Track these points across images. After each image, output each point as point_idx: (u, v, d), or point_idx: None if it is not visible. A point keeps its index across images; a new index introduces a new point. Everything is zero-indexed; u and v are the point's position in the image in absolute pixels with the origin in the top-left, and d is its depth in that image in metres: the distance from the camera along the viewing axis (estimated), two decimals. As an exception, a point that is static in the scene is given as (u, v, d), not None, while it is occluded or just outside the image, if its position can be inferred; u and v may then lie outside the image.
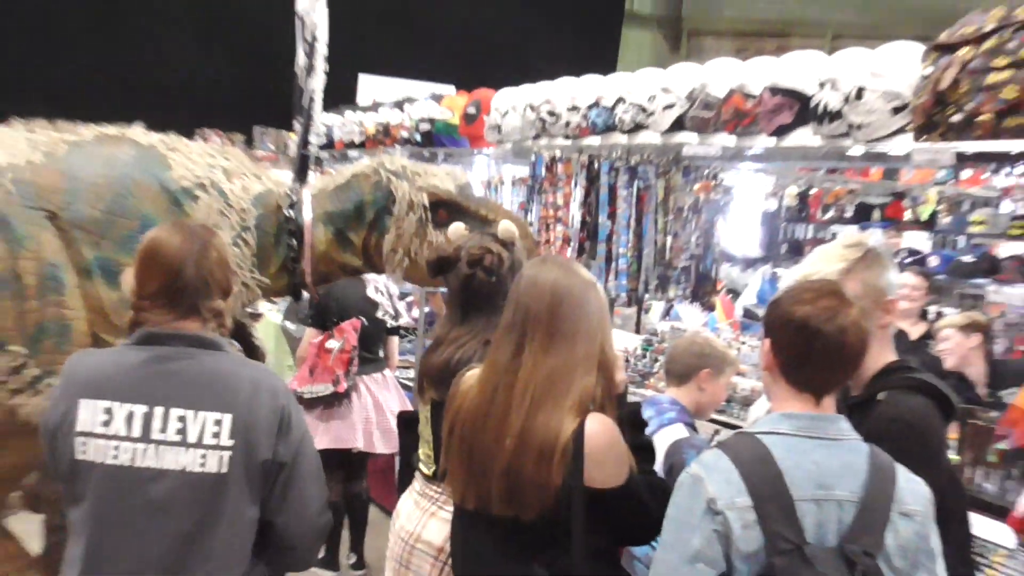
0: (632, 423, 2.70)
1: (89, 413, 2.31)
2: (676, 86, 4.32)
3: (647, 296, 4.47)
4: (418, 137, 6.31)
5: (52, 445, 2.36)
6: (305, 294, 4.16)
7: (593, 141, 4.74)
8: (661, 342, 5.26)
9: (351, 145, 7.25)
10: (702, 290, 4.41)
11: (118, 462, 2.29)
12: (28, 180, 3.51)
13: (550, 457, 2.28)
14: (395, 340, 5.82)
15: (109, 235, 3.48)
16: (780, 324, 2.17)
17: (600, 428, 2.32)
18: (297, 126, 7.78)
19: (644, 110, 4.45)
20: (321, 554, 5.53)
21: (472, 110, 5.81)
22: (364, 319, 5.43)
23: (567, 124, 4.92)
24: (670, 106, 4.32)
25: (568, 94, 4.98)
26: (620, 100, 4.58)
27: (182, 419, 2.31)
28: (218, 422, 2.31)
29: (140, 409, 2.31)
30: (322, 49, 7.60)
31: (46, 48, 23.87)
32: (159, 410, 2.31)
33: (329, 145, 7.62)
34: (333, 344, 5.33)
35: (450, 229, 3.17)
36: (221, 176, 3.77)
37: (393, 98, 7.25)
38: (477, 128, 5.75)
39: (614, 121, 4.59)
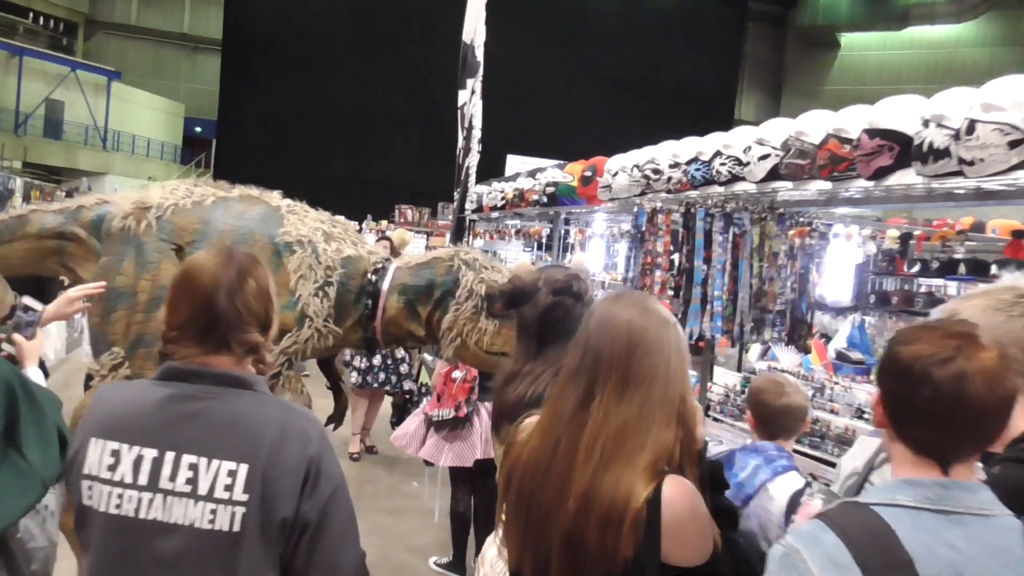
0: (713, 483, 1.74)
1: (97, 454, 1.56)
2: (771, 137, 3.33)
3: (744, 338, 3.45)
4: (545, 199, 5.51)
5: (67, 482, 1.62)
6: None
7: (693, 194, 3.79)
8: (758, 380, 4.29)
9: (494, 208, 6.55)
10: (797, 333, 3.35)
11: (121, 511, 1.52)
12: (169, 219, 3.42)
13: (619, 525, 1.49)
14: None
15: None
16: (886, 367, 1.29)
17: (680, 495, 1.52)
18: (456, 196, 7.08)
19: (740, 162, 3.48)
20: (448, 558, 4.76)
21: (588, 173, 4.97)
22: None
23: (669, 180, 3.99)
24: (765, 156, 3.34)
25: (670, 152, 4.06)
26: (718, 154, 3.63)
27: (194, 467, 1.52)
28: (232, 473, 1.52)
29: (150, 453, 1.54)
30: (477, 134, 6.99)
31: (313, 152, 25.27)
32: (170, 456, 1.53)
33: (479, 209, 6.97)
34: (457, 374, 4.63)
35: (516, 264, 2.36)
36: (320, 237, 3.51)
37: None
38: (592, 189, 4.89)
39: (712, 174, 3.64)
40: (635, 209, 3.93)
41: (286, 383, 3.39)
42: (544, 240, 6.16)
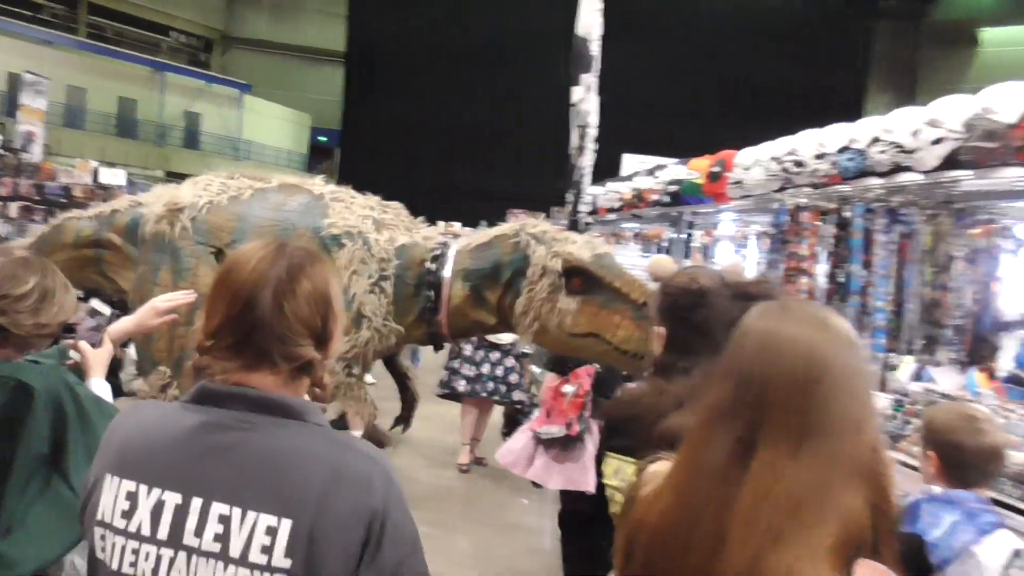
0: (915, 565, 1.24)
1: (111, 496, 1.21)
2: (946, 117, 2.75)
3: (908, 356, 2.85)
4: (667, 199, 5.02)
5: (81, 522, 1.29)
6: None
7: (843, 188, 3.22)
8: (913, 404, 3.64)
9: (610, 210, 6.10)
10: (978, 354, 2.73)
11: (136, 571, 1.17)
12: (203, 218, 3.13)
13: None
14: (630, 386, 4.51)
15: None
16: None
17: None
18: (569, 197, 6.61)
19: (904, 149, 2.90)
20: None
21: (717, 168, 4.45)
22: (599, 365, 4.20)
23: (814, 172, 3.45)
24: (938, 140, 2.76)
25: (815, 141, 3.51)
26: (876, 140, 3.05)
27: (224, 520, 1.15)
28: (272, 530, 1.14)
29: (172, 499, 1.17)
30: (591, 133, 6.56)
31: (431, 160, 25.62)
32: (196, 503, 1.16)
33: (594, 212, 6.54)
34: (568, 389, 4.16)
35: (653, 261, 1.87)
36: (371, 226, 3.16)
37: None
38: (720, 185, 4.38)
39: (868, 164, 3.07)
40: (775, 206, 3.40)
41: (347, 391, 3.07)
42: (666, 244, 5.67)
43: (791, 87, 25.01)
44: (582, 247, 3.06)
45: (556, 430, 4.20)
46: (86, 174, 9.05)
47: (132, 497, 1.19)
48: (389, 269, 3.13)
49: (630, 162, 8.33)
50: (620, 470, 1.65)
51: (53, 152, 19.54)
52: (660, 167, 5.31)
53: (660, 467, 1.33)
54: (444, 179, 25.57)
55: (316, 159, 32.04)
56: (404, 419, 3.75)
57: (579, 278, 3.02)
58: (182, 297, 2.24)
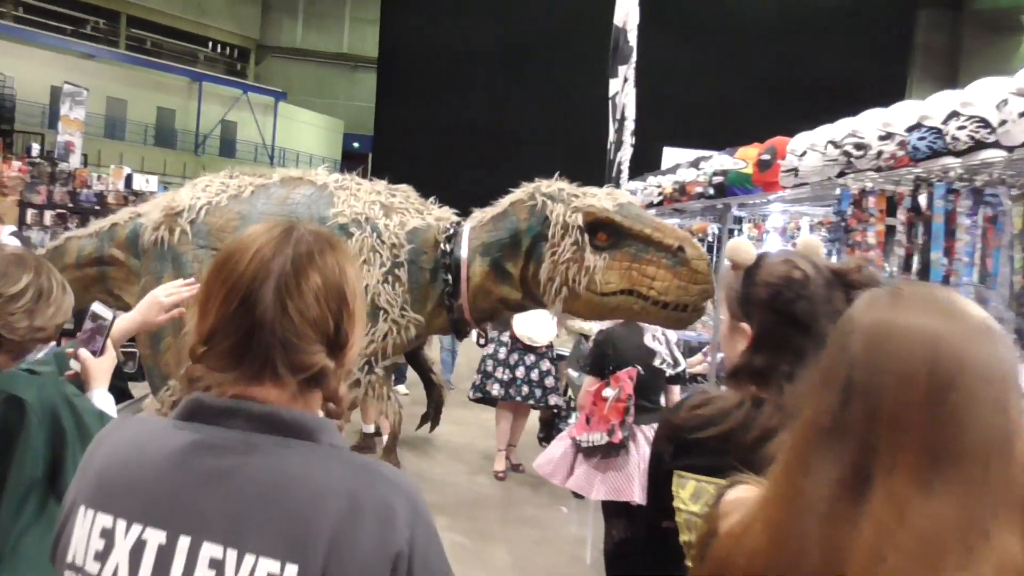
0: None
1: (83, 532, 0.98)
2: (1038, 86, 2.43)
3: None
4: (711, 191, 4.71)
5: (52, 560, 1.07)
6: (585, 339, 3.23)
7: (918, 170, 2.91)
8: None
9: (650, 205, 5.79)
10: (1078, 351, 2.40)
11: None
12: (203, 220, 2.97)
13: None
14: (676, 389, 4.25)
15: None
16: None
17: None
18: (607, 194, 6.20)
19: (987, 123, 2.59)
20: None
21: (767, 156, 4.14)
22: (641, 368, 3.93)
23: (879, 155, 3.13)
24: (1029, 112, 2.44)
25: (879, 121, 3.19)
26: (953, 115, 2.74)
27: (217, 565, 0.91)
28: None
29: (156, 537, 0.94)
30: (629, 126, 6.27)
31: (463, 163, 25.58)
32: (184, 543, 0.93)
33: (633, 207, 6.25)
34: (609, 393, 3.89)
35: (731, 245, 1.57)
36: (379, 212, 2.95)
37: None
38: (772, 174, 4.06)
39: (945, 142, 2.76)
40: (837, 192, 3.10)
41: (369, 389, 2.84)
42: (711, 238, 5.35)
43: (831, 78, 24.51)
44: (603, 198, 2.84)
45: (597, 437, 3.94)
46: (120, 181, 8.98)
47: (108, 535, 0.95)
48: (402, 255, 2.91)
49: (671, 156, 8.01)
50: (701, 493, 1.37)
51: (92, 162, 19.77)
52: (704, 158, 5.00)
53: (743, 494, 1.06)
54: (478, 180, 25.24)
55: (349, 164, 32.05)
56: (431, 417, 3.50)
57: (604, 232, 2.79)
58: (185, 289, 2.03)
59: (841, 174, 3.42)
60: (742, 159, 4.45)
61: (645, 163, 6.79)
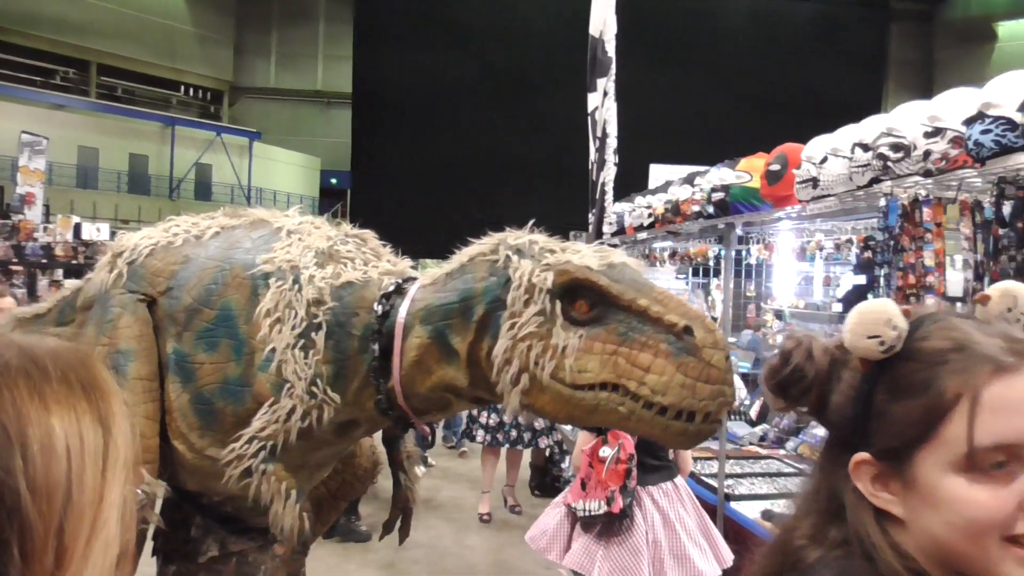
0: None
1: None
2: None
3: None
4: (711, 209, 4.10)
5: None
6: None
7: (966, 174, 2.29)
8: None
9: (640, 228, 5.18)
10: None
11: None
12: (142, 263, 2.45)
13: None
14: (686, 443, 3.56)
15: (190, 327, 2.24)
16: None
17: None
18: (591, 217, 5.68)
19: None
20: None
21: (776, 166, 3.52)
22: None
23: (926, 155, 2.52)
24: None
25: (924, 115, 2.59)
26: (1030, 98, 2.13)
27: None
28: None
29: None
30: (612, 143, 5.66)
31: (443, 197, 25.16)
32: None
33: (620, 231, 5.64)
34: (607, 452, 3.25)
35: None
36: (310, 260, 2.24)
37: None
38: (784, 186, 3.45)
39: (1017, 135, 2.16)
40: (882, 203, 2.47)
41: (264, 482, 2.12)
42: (712, 263, 4.75)
43: (809, 93, 24.38)
44: (587, 255, 2.04)
45: (595, 506, 3.28)
46: (68, 231, 8.29)
47: None
48: (321, 315, 2.16)
49: (659, 174, 7.43)
50: None
51: (64, 212, 19.05)
52: (699, 173, 4.39)
53: None
54: (458, 213, 25.05)
55: (328, 201, 31.55)
56: (391, 526, 2.79)
57: (585, 300, 1.99)
58: None
59: (873, 181, 2.82)
60: (745, 171, 3.84)
61: (631, 183, 6.19)
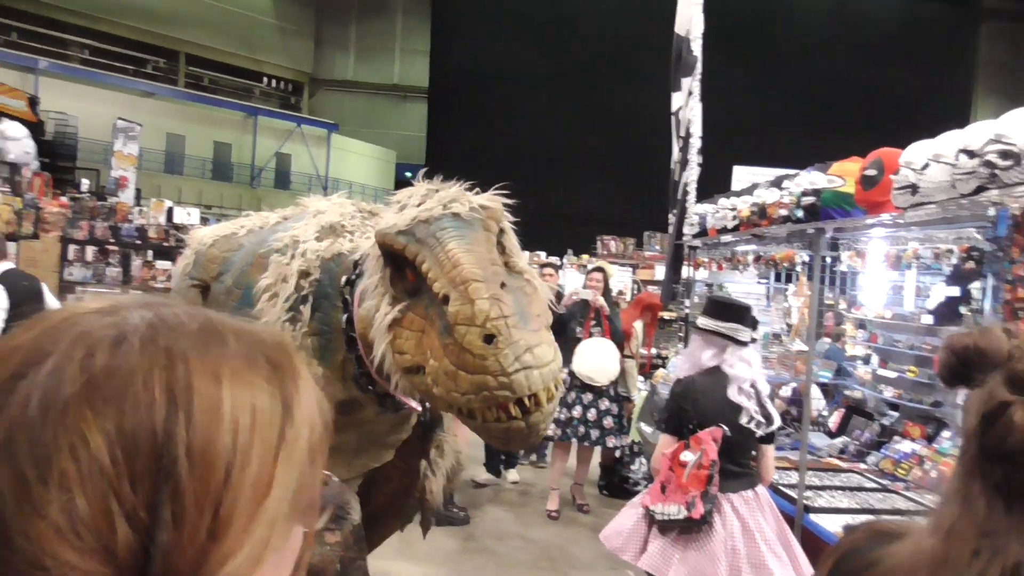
0: None
1: None
2: None
3: None
4: (799, 213, 4.02)
5: None
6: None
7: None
8: None
9: (723, 230, 5.11)
10: None
11: None
12: (204, 252, 2.54)
13: None
14: (770, 450, 3.54)
15: (226, 307, 2.26)
16: None
17: None
18: (672, 218, 5.64)
19: None
20: None
21: (872, 172, 3.43)
22: (726, 427, 3.25)
23: (1039, 164, 2.43)
24: None
25: (1038, 122, 2.49)
26: None
27: None
28: None
29: None
30: (696, 143, 5.60)
31: (515, 190, 25.24)
32: None
33: (702, 233, 5.58)
34: (689, 457, 3.22)
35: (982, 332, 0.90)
36: (312, 233, 2.22)
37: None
38: (880, 192, 3.36)
39: None
40: (991, 212, 2.40)
41: None
42: (796, 269, 4.65)
43: (894, 95, 23.56)
44: (402, 214, 1.85)
45: (674, 510, 3.26)
46: (160, 214, 8.63)
47: None
48: (307, 286, 2.12)
49: (742, 175, 7.30)
50: None
51: (153, 196, 19.82)
52: (788, 176, 4.31)
53: None
54: (531, 206, 25.14)
55: (402, 194, 31.97)
56: (405, 517, 2.77)
57: (412, 270, 1.80)
58: None
59: (979, 189, 2.73)
60: (838, 175, 3.75)
61: (714, 184, 6.11)
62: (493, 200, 1.95)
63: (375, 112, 33.20)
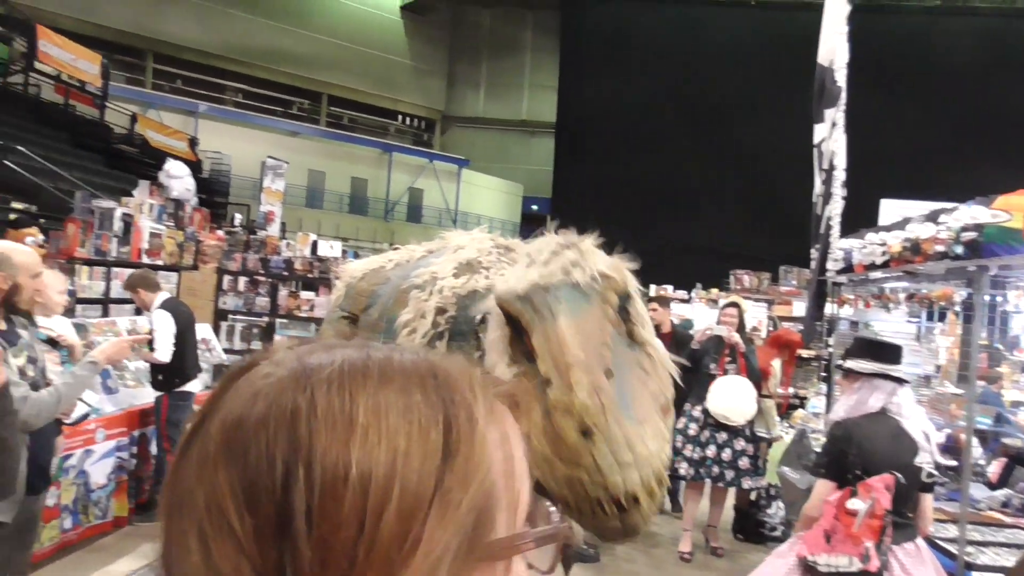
0: None
1: None
2: None
3: None
4: (959, 249, 3.79)
5: None
6: None
7: None
8: None
9: (871, 266, 4.88)
10: None
11: None
12: (354, 285, 2.72)
13: None
14: (929, 499, 3.34)
15: (373, 339, 2.06)
16: None
17: None
18: (814, 252, 5.47)
19: None
20: None
21: (1045, 206, 3.21)
22: (899, 473, 3.08)
23: None
24: None
25: None
26: None
27: None
28: None
29: None
30: (840, 176, 5.42)
31: (642, 223, 25.13)
32: None
33: (848, 269, 5.34)
34: (858, 505, 3.03)
35: None
36: (450, 270, 2.30)
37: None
38: (1053, 228, 3.13)
39: None
40: None
41: None
42: (954, 307, 4.38)
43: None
44: (525, 274, 1.79)
45: (845, 562, 3.06)
46: (306, 247, 9.14)
47: None
48: (444, 323, 2.16)
49: (890, 209, 6.96)
50: None
51: (293, 229, 21.03)
52: (944, 209, 4.08)
53: None
54: (657, 240, 24.97)
55: (528, 227, 32.44)
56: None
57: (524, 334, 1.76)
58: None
59: None
60: (1003, 210, 3.53)
61: (859, 217, 5.86)
62: (616, 269, 1.92)
63: (504, 147, 33.97)
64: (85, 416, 3.49)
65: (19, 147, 13.34)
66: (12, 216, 8.49)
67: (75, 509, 5.02)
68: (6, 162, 12.68)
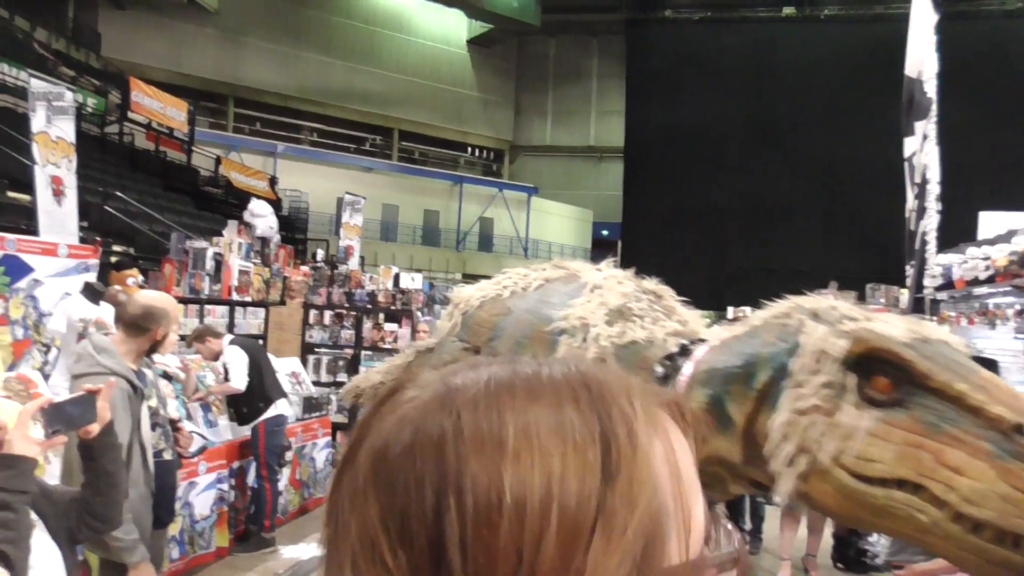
0: None
1: None
2: None
3: None
4: (1075, 262, 3.61)
5: None
6: None
7: None
8: None
9: (974, 282, 4.69)
10: None
11: None
12: (473, 314, 2.68)
13: None
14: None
15: None
16: None
17: None
18: (909, 269, 5.30)
19: None
20: None
21: None
22: None
23: None
24: None
25: None
26: None
27: None
28: None
29: None
30: (934, 189, 5.25)
31: (713, 245, 24.76)
32: None
33: (948, 285, 5.14)
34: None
35: None
36: (601, 318, 2.28)
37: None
38: None
39: None
40: None
41: None
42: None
43: None
44: (895, 325, 1.77)
45: None
46: (388, 280, 9.32)
47: None
48: None
49: (989, 221, 6.67)
50: None
51: (369, 263, 21.51)
52: (1055, 221, 3.90)
53: None
54: (729, 262, 24.62)
55: (599, 252, 32.35)
56: None
57: (887, 376, 1.70)
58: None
59: None
60: (1124, 219, 3.35)
61: (957, 232, 5.65)
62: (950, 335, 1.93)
63: (572, 174, 34.08)
64: (203, 449, 3.61)
65: (117, 192, 14.07)
66: (113, 259, 8.93)
67: (182, 540, 5.19)
68: (106, 207, 13.38)
